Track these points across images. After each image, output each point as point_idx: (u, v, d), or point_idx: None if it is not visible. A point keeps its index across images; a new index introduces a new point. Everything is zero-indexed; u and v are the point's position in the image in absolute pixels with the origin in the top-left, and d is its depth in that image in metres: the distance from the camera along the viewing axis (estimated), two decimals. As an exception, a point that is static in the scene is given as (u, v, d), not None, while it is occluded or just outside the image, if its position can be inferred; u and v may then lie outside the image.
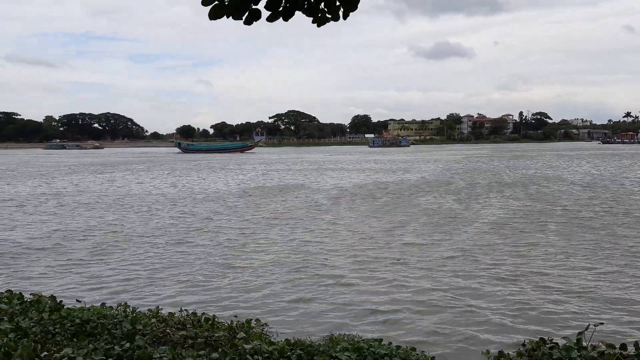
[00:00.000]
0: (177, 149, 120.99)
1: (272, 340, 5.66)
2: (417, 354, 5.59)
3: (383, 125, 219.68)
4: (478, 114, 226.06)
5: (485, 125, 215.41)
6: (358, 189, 31.65)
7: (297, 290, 10.40)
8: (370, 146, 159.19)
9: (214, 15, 3.26)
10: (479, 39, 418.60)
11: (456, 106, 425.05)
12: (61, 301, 7.41)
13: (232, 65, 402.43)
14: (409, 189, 31.08)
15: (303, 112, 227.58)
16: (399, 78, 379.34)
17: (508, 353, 5.30)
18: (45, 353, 5.37)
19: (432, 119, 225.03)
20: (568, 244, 14.43)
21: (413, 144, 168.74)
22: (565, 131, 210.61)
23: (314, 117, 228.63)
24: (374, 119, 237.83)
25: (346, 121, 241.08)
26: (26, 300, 7.43)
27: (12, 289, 8.22)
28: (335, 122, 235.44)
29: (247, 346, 5.22)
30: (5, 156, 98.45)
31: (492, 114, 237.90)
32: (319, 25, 3.69)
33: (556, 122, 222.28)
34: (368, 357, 5.14)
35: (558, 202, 23.72)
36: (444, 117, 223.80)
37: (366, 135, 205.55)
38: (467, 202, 24.04)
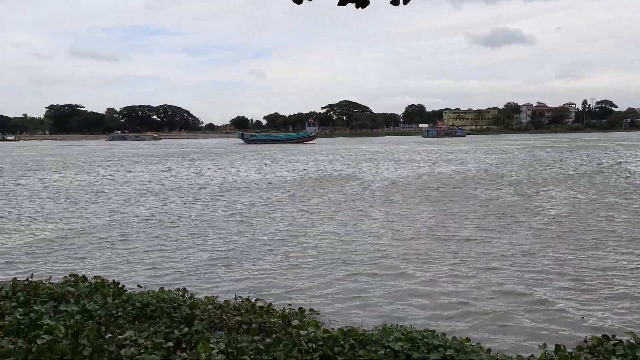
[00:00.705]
0: (240, 140, 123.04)
1: (325, 328, 5.69)
2: (472, 345, 5.46)
3: (438, 115, 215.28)
4: (538, 102, 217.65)
5: (546, 114, 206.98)
6: (412, 179, 31.22)
7: (350, 280, 10.39)
8: (424, 136, 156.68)
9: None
10: (540, 24, 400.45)
11: (514, 95, 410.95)
12: (123, 285, 7.74)
13: (284, 55, 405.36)
14: (465, 180, 30.34)
15: (356, 102, 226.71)
16: (454, 66, 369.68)
17: (565, 347, 5.09)
18: (109, 335, 5.62)
19: (489, 108, 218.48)
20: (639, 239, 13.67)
21: (469, 134, 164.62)
22: (632, 120, 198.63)
23: (367, 107, 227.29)
24: (428, 109, 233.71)
25: (399, 111, 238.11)
26: (91, 284, 7.81)
27: (76, 273, 8.69)
28: (389, 112, 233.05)
29: (301, 333, 5.26)
30: (71, 147, 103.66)
31: (553, 102, 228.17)
32: (394, 3, 3.55)
33: (622, 110, 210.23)
34: (421, 347, 5.07)
35: (627, 195, 22.46)
36: (501, 106, 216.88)
37: (420, 125, 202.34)
38: (527, 195, 23.18)
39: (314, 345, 5.09)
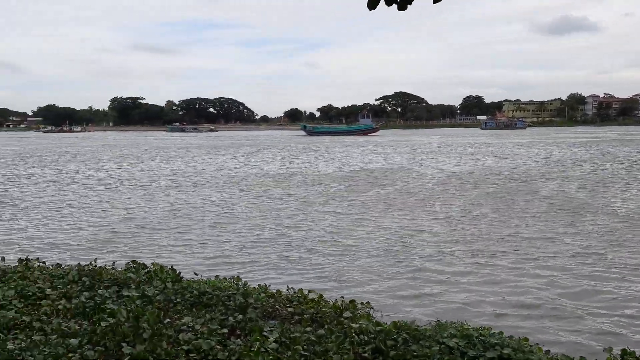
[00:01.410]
0: (302, 132, 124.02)
1: (378, 321, 5.63)
2: (530, 345, 5.26)
3: (497, 107, 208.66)
4: (605, 93, 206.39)
5: (613, 106, 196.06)
6: (470, 173, 30.45)
7: (404, 274, 10.27)
8: (482, 128, 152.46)
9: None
10: (607, 10, 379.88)
11: (579, 85, 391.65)
12: (179, 273, 7.98)
13: (338, 47, 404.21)
14: (527, 174, 29.27)
15: (410, 94, 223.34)
16: (515, 56, 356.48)
17: (634, 352, 4.80)
18: (168, 320, 5.81)
19: (552, 100, 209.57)
20: None
21: (529, 126, 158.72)
22: None
23: (422, 99, 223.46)
24: (487, 100, 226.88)
25: (456, 102, 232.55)
26: (150, 271, 8.10)
27: (137, 259, 9.04)
28: (445, 104, 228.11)
29: (353, 325, 5.24)
30: (133, 139, 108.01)
31: (621, 93, 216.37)
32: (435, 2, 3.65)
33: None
34: (477, 345, 4.93)
35: None
36: (564, 98, 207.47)
37: (478, 117, 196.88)
38: (594, 191, 22.06)
39: (366, 338, 5.06)
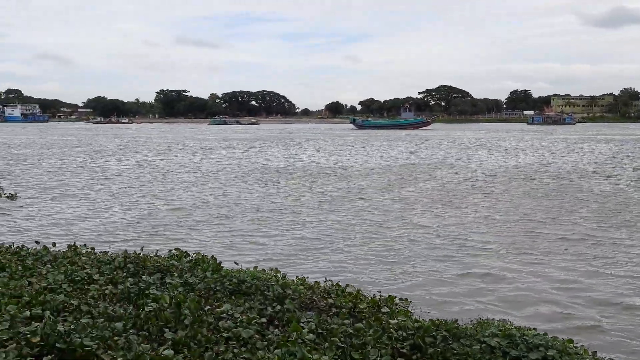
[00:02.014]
0: (351, 125, 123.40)
1: (416, 318, 5.57)
2: (576, 347, 5.08)
3: (545, 101, 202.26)
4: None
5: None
6: (516, 170, 29.67)
7: (445, 272, 10.11)
8: (529, 123, 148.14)
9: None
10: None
11: (633, 80, 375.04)
12: (220, 262, 8.12)
13: (380, 40, 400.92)
14: (577, 172, 28.26)
15: (455, 87, 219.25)
16: (564, 49, 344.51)
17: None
18: (208, 307, 5.93)
19: (604, 95, 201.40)
20: None
21: (579, 122, 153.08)
22: None
23: (467, 92, 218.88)
24: (535, 95, 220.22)
25: (502, 96, 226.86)
26: (192, 259, 8.28)
27: (179, 248, 9.25)
28: (490, 98, 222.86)
29: (391, 321, 5.19)
30: (178, 130, 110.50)
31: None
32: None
33: None
34: (520, 345, 4.80)
35: None
36: (617, 93, 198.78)
37: (525, 112, 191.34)
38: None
39: (404, 334, 5.01)
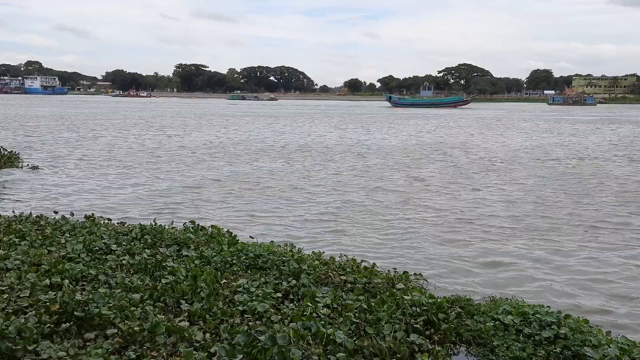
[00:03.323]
0: (387, 104, 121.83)
1: (431, 294, 5.57)
2: (590, 327, 5.04)
3: (566, 81, 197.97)
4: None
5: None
6: (536, 150, 29.23)
7: (460, 250, 10.06)
8: (549, 103, 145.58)
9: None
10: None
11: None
12: (236, 236, 8.18)
13: (402, 16, 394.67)
14: (596, 153, 27.76)
15: (475, 66, 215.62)
16: (588, 28, 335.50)
17: None
18: (224, 281, 5.99)
19: (627, 75, 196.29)
20: None
21: (600, 102, 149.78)
22: None
23: (487, 71, 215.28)
24: (556, 74, 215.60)
25: (523, 76, 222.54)
26: (207, 233, 8.35)
27: (194, 220, 9.33)
28: (511, 77, 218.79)
29: (405, 297, 5.20)
30: (197, 105, 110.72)
31: None
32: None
33: None
34: (533, 322, 4.78)
35: None
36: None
37: (545, 92, 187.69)
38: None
39: (418, 310, 5.02)
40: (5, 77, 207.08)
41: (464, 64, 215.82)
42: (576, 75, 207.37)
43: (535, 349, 4.50)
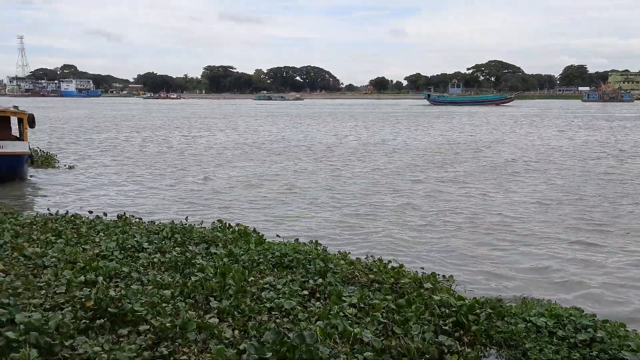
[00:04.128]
0: (426, 101, 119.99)
1: (460, 295, 5.50)
2: (627, 331, 4.90)
3: (601, 77, 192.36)
4: None
5: None
6: (572, 148, 28.56)
7: (489, 251, 9.91)
8: (583, 100, 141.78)
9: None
10: None
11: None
12: (263, 234, 8.24)
13: (428, 13, 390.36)
14: (636, 151, 26.90)
15: (505, 62, 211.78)
16: (624, 22, 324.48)
17: None
18: (252, 278, 6.05)
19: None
20: None
21: (638, 99, 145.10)
22: None
23: (518, 68, 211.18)
24: (591, 70, 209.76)
25: (556, 72, 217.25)
26: (235, 231, 8.45)
27: (222, 219, 9.44)
28: (543, 74, 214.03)
29: (434, 297, 5.15)
30: (225, 105, 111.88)
31: None
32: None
33: None
34: (567, 325, 4.68)
35: None
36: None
37: (580, 88, 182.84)
38: None
39: (446, 311, 4.97)
40: (42, 81, 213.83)
41: (494, 60, 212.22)
42: (612, 70, 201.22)
43: (569, 352, 4.40)
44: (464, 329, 4.75)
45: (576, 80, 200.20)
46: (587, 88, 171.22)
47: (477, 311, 4.91)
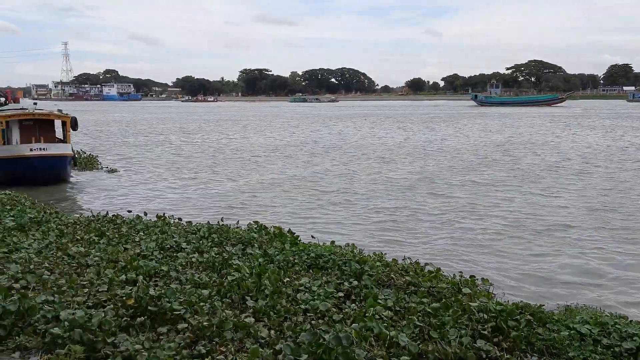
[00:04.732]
0: (472, 102, 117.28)
1: (498, 301, 5.38)
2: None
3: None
4: None
5: None
6: (619, 149, 27.58)
7: (529, 255, 9.66)
8: (629, 100, 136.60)
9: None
10: None
11: None
12: (298, 236, 8.27)
13: (464, 12, 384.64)
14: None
15: (546, 62, 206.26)
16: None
17: None
18: (287, 279, 6.08)
19: None
20: None
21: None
22: None
23: (559, 67, 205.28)
24: (636, 69, 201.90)
25: (599, 71, 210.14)
26: (270, 232, 8.50)
27: (258, 220, 9.53)
28: (586, 73, 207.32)
29: (472, 304, 5.05)
30: (262, 108, 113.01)
31: None
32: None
33: None
34: (613, 333, 4.51)
35: None
36: None
37: (624, 88, 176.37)
38: None
39: (485, 316, 4.86)
40: (85, 85, 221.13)
41: (534, 60, 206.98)
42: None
43: (614, 361, 4.24)
44: (503, 335, 4.64)
45: (620, 80, 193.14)
46: (632, 88, 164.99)
47: (517, 317, 4.79)
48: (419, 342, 4.42)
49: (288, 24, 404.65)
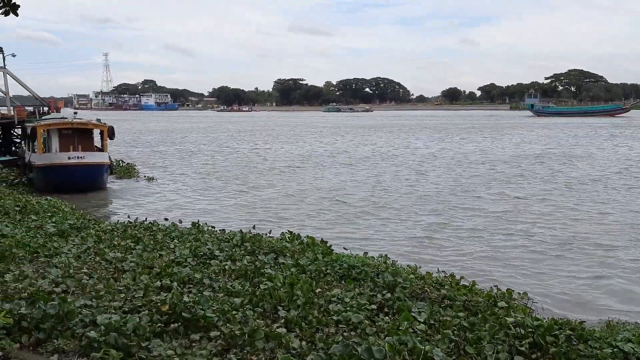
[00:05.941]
0: (528, 112, 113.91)
1: (536, 316, 5.21)
2: None
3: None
4: None
5: None
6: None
7: (567, 267, 9.36)
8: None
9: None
10: None
11: None
12: (330, 245, 8.23)
13: (501, 21, 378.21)
14: None
15: (587, 71, 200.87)
16: None
17: None
18: (319, 289, 6.05)
19: None
20: None
21: None
22: None
23: (601, 77, 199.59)
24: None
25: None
26: (303, 242, 8.50)
27: (292, 230, 9.54)
28: (629, 82, 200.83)
29: (509, 319, 4.90)
30: (299, 118, 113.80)
31: None
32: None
33: None
34: (659, 355, 4.29)
35: None
36: None
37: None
38: None
39: (522, 332, 4.71)
40: (124, 95, 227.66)
41: (574, 69, 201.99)
42: None
43: (659, 382, 4.03)
44: (541, 351, 4.48)
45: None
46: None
47: (556, 332, 4.62)
48: (454, 357, 4.31)
49: (323, 33, 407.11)
